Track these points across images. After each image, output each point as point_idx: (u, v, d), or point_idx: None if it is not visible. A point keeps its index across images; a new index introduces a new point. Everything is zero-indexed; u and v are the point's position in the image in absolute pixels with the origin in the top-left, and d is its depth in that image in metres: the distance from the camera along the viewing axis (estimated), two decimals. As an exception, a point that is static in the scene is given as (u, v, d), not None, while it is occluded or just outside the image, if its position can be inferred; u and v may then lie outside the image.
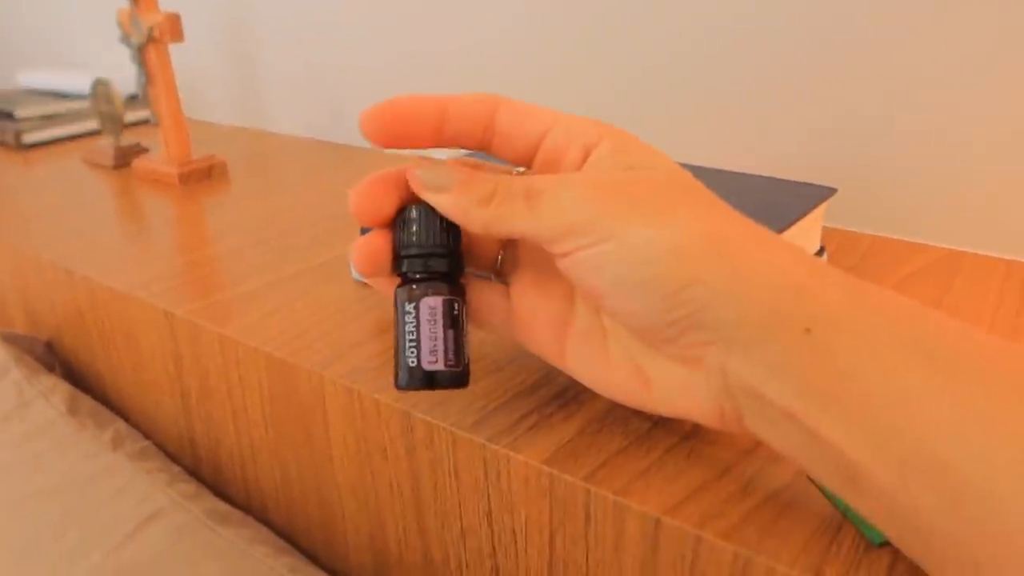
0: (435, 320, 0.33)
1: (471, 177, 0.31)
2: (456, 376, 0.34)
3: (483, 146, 0.33)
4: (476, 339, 0.47)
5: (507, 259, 0.37)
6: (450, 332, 0.33)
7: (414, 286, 0.34)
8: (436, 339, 0.33)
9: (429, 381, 0.34)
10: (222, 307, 0.53)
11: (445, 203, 0.31)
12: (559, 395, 0.41)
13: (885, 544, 0.31)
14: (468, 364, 0.35)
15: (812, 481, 0.34)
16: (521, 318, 0.35)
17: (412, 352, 0.33)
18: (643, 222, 0.27)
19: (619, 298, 0.28)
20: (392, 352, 0.38)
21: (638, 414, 0.39)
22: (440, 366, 0.33)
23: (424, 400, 0.41)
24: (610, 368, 0.34)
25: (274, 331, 0.50)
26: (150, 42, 0.77)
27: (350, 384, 0.43)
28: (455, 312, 0.33)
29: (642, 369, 0.33)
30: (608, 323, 0.34)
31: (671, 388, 0.32)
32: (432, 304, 0.33)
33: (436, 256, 0.33)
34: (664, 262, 0.27)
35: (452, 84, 0.85)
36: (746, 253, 0.27)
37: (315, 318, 0.51)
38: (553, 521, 0.37)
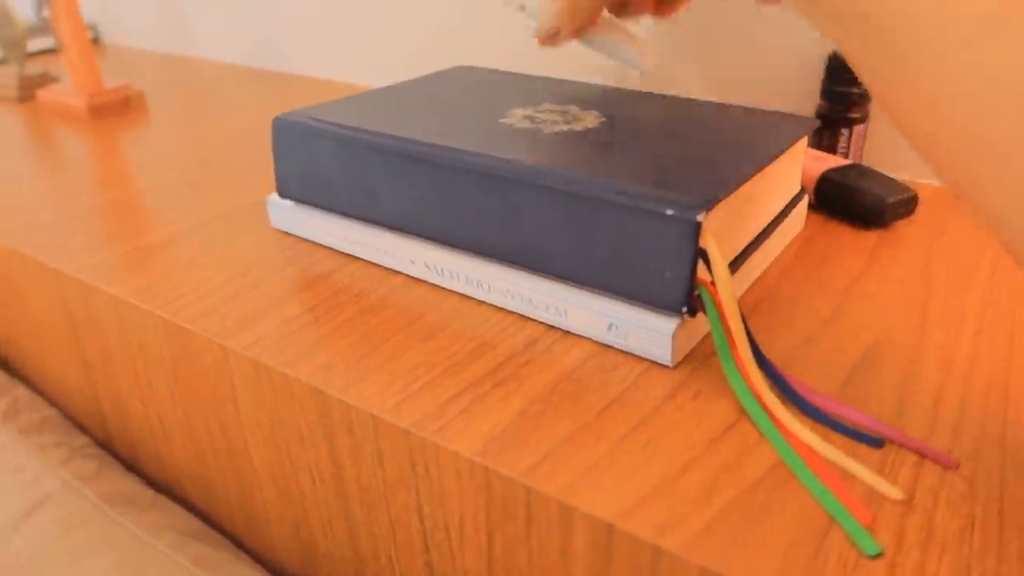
0: None
1: None
2: None
3: None
4: (404, 302, 0.41)
5: None
6: None
7: None
8: None
9: None
10: (119, 262, 0.46)
11: None
12: (498, 368, 0.35)
13: (880, 555, 0.26)
14: None
15: (793, 472, 0.29)
16: None
17: None
18: None
19: None
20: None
21: (589, 391, 0.33)
22: None
23: (340, 376, 0.35)
24: None
25: (180, 290, 0.43)
26: (43, -47, 0.67)
27: (257, 356, 0.37)
28: None
29: None
30: None
31: None
32: None
33: None
34: None
35: (388, 2, 0.77)
36: None
37: (228, 273, 0.44)
38: (491, 520, 0.31)
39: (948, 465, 0.29)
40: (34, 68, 0.82)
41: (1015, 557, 0.26)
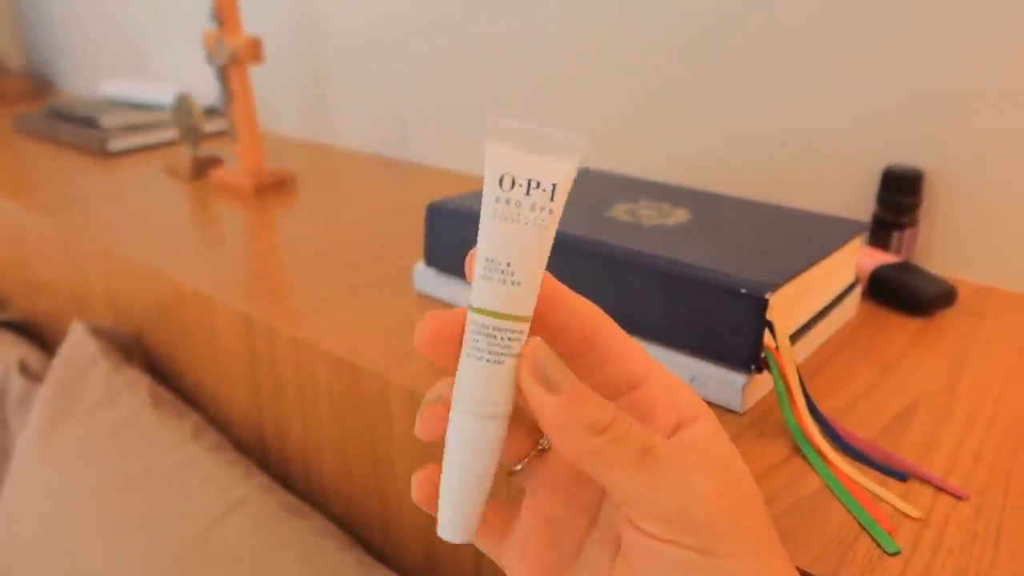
0: None
1: (587, 391, 0.25)
2: None
3: (568, 354, 0.27)
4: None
5: (536, 466, 0.30)
6: None
7: None
8: None
9: None
10: (295, 312, 0.58)
11: (548, 408, 0.24)
12: (604, 406, 0.45)
13: (898, 554, 0.34)
14: None
15: (835, 494, 0.37)
16: (520, 535, 0.30)
17: None
18: (747, 555, 0.25)
19: None
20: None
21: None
22: None
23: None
24: None
25: (343, 336, 0.54)
26: (232, 63, 0.83)
27: (412, 387, 0.48)
28: None
29: None
30: None
31: None
32: None
33: None
34: None
35: (508, 101, 0.90)
36: None
37: (380, 326, 0.55)
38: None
39: (961, 496, 0.37)
40: (205, 150, 0.98)
41: (1006, 561, 0.34)
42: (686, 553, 0.24)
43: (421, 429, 0.27)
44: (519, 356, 0.26)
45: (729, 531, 0.25)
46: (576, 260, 0.49)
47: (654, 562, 0.25)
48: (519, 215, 0.25)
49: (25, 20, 1.71)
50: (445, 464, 0.27)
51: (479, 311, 0.25)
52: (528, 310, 0.26)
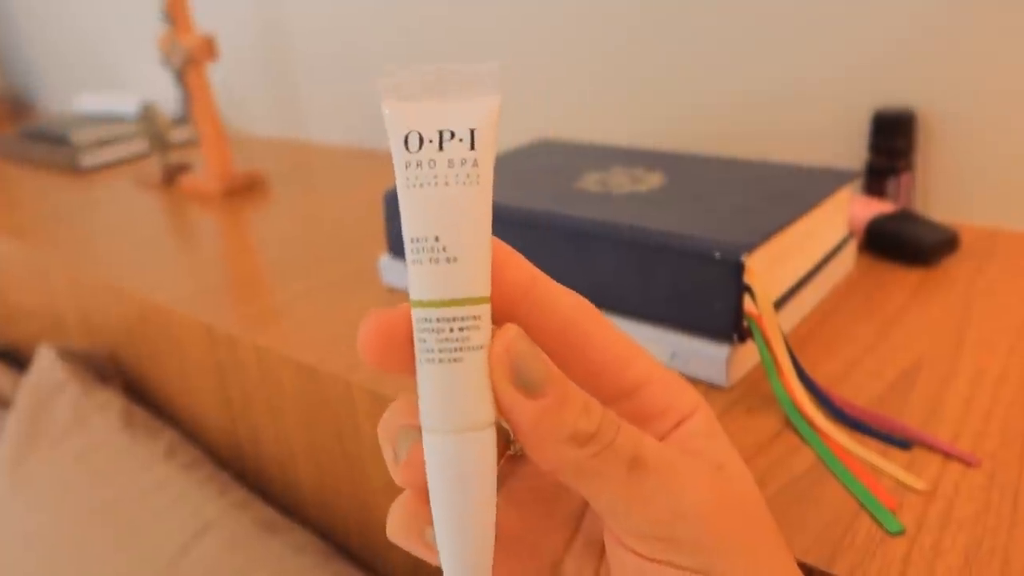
0: None
1: (570, 392, 0.21)
2: None
3: (555, 350, 0.23)
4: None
5: (508, 473, 0.26)
6: None
7: None
8: None
9: None
10: (260, 317, 0.55)
11: (522, 417, 0.21)
12: (578, 392, 0.41)
13: (902, 533, 0.30)
14: None
15: (830, 470, 0.34)
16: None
17: None
18: (745, 570, 0.23)
19: None
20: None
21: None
22: None
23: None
24: None
25: (307, 338, 0.51)
26: (189, 63, 0.80)
27: (375, 388, 0.44)
28: None
29: None
30: None
31: None
32: None
33: None
34: None
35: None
36: None
37: (344, 325, 0.52)
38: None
39: (971, 463, 0.34)
40: (174, 158, 0.95)
41: None
42: (679, 573, 0.22)
43: (402, 476, 0.22)
44: (485, 348, 0.21)
45: (726, 546, 0.22)
46: (539, 236, 0.45)
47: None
48: (435, 176, 0.21)
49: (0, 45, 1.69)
50: (433, 501, 0.21)
51: (418, 304, 0.21)
52: (477, 289, 0.21)
